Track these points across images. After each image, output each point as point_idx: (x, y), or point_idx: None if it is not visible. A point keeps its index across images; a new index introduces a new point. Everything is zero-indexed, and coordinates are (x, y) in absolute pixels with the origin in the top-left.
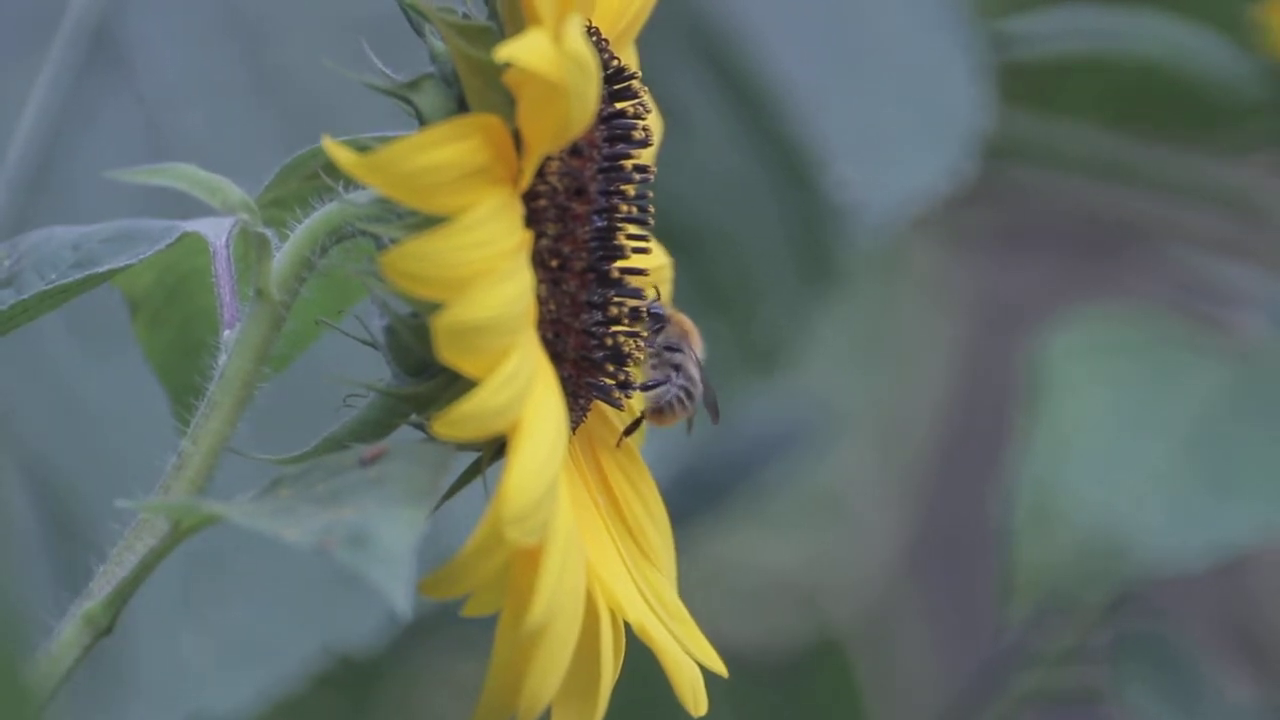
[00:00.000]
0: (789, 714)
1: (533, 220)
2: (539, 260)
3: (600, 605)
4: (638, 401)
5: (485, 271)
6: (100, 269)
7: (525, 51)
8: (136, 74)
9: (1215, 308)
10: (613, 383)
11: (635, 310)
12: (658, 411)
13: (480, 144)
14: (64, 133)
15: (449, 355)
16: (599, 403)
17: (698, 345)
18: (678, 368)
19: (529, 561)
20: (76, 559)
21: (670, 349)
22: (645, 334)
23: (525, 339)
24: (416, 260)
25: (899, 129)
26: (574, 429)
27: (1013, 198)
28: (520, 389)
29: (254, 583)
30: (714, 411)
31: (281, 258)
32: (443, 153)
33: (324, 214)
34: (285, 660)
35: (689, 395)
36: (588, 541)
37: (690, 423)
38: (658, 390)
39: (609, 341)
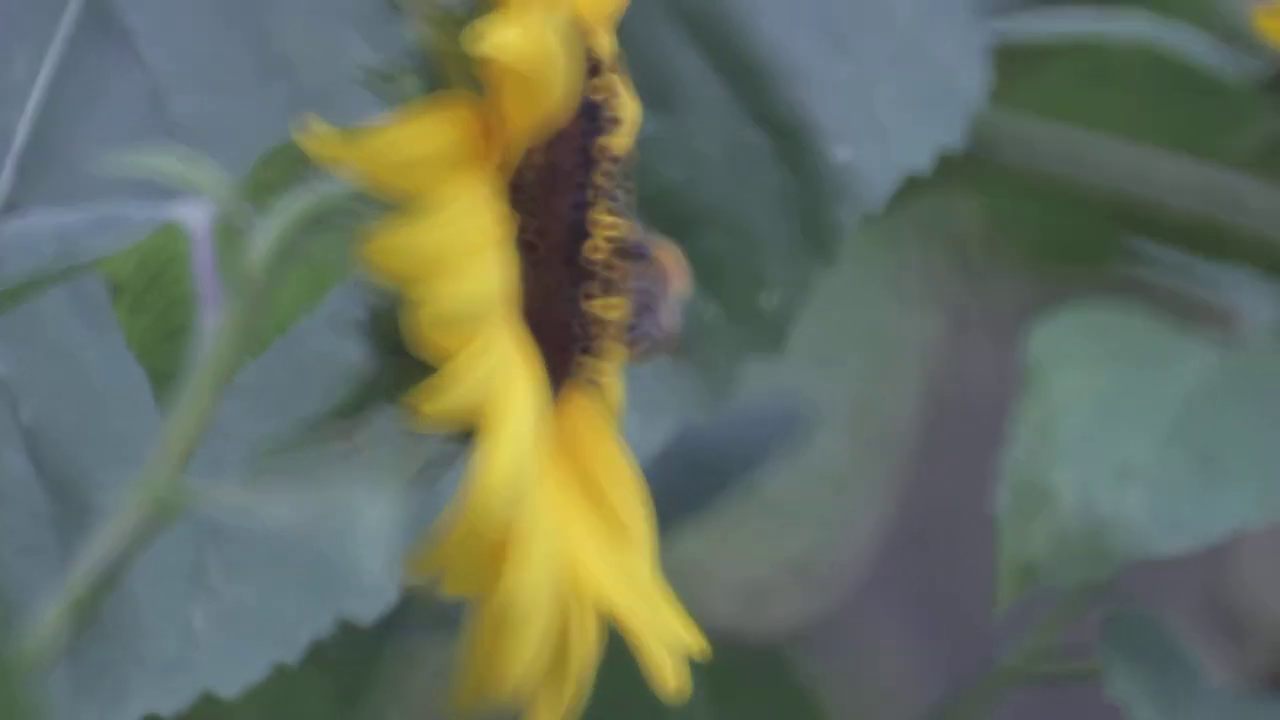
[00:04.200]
0: (766, 703)
1: (512, 209)
2: (519, 247)
3: (578, 585)
4: (615, 385)
5: (465, 260)
6: (82, 258)
7: (502, 43)
8: (141, 54)
9: (1201, 300)
10: (592, 362)
11: (612, 284)
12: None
13: (458, 134)
14: (70, 113)
15: (427, 341)
16: (578, 380)
17: (680, 284)
18: (647, 308)
19: (506, 541)
20: (81, 530)
21: (645, 289)
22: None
23: (504, 323)
24: (395, 248)
25: (895, 100)
26: (551, 407)
27: (990, 190)
28: (496, 365)
29: (265, 556)
30: (678, 353)
31: (263, 243)
32: (421, 142)
33: (304, 200)
34: (297, 634)
35: (652, 339)
36: (564, 519)
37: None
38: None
39: (587, 322)
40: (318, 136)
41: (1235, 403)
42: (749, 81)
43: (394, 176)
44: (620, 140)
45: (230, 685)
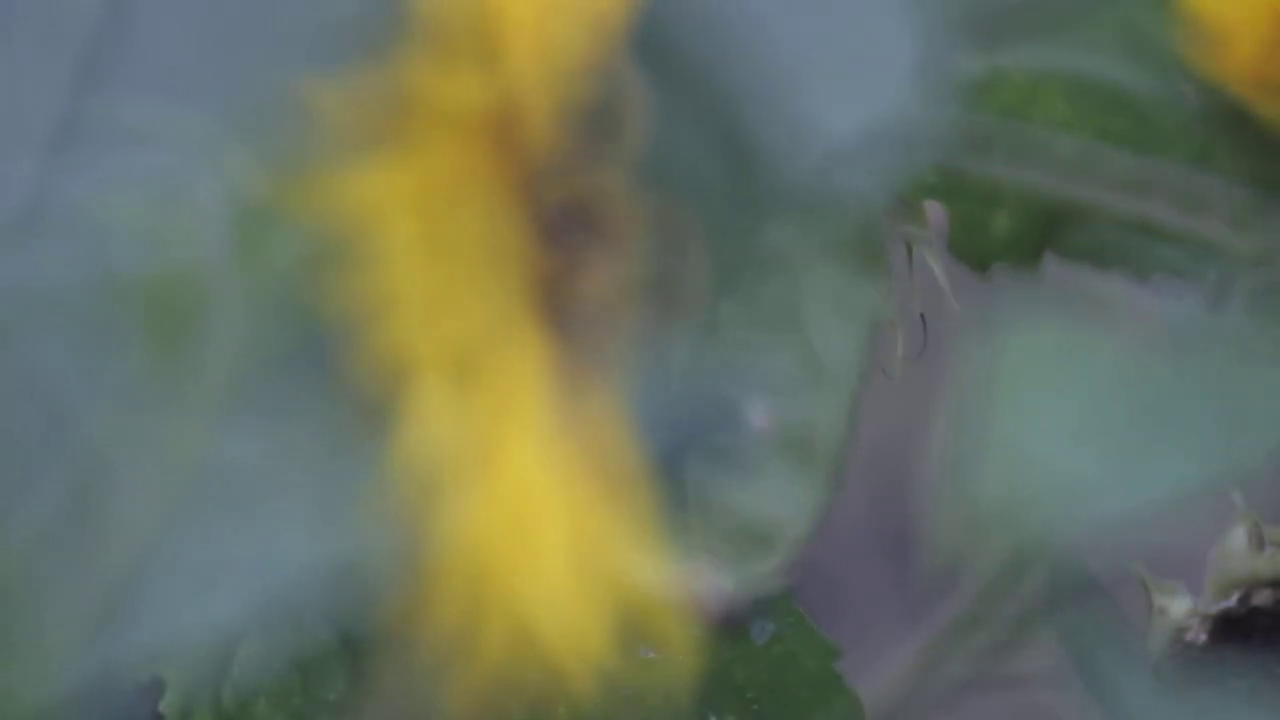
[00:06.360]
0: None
1: (501, 215)
2: (519, 243)
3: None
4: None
5: (397, 308)
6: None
7: (486, 83)
8: (148, 42)
9: (1131, 298)
10: (585, 336)
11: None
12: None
13: (436, 170)
14: (84, 99)
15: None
16: (588, 341)
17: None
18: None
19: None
20: (90, 487)
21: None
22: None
23: (440, 364)
24: (338, 291)
25: (843, 65)
26: (560, 375)
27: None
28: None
29: (257, 495)
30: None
31: (273, 254)
32: (391, 179)
33: (295, 236)
34: (286, 571)
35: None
36: (559, 517)
37: None
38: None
39: (589, 293)
40: (266, 182)
41: (1167, 378)
42: (691, 59)
43: (351, 221)
44: (623, 144)
45: (218, 617)
